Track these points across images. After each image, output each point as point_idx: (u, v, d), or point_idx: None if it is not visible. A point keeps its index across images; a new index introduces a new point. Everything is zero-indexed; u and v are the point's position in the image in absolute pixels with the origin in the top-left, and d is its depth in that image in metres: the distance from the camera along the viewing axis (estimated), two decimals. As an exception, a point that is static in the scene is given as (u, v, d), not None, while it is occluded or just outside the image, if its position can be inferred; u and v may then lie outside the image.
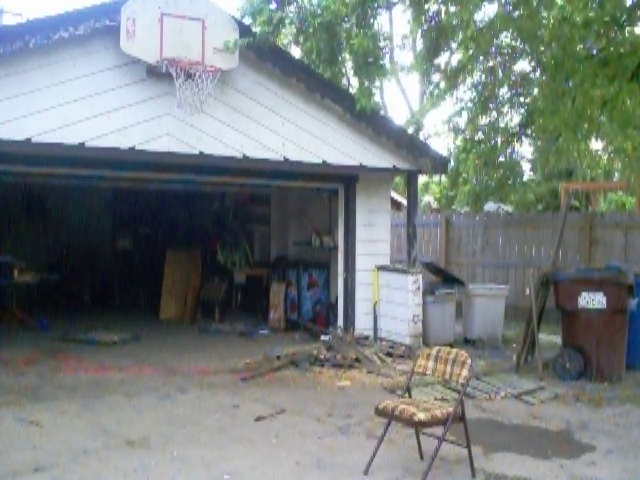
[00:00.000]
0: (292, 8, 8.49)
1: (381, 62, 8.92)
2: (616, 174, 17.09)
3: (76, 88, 7.46)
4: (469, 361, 4.94)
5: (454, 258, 14.34)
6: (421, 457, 5.23)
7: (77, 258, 14.15)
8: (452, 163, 12.86)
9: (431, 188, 22.93)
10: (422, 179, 17.60)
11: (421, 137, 14.23)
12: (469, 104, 11.71)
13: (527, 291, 8.72)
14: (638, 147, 9.49)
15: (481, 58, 9.37)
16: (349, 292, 10.19)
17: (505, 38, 9.63)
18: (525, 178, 16.34)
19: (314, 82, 8.98)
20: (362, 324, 10.06)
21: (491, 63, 9.96)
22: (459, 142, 13.45)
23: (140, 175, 9.08)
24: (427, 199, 21.79)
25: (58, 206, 14.14)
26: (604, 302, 7.98)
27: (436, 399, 6.59)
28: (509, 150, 13.00)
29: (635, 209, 15.25)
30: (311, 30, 8.41)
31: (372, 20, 8.58)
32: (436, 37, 8.68)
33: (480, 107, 11.37)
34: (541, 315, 8.80)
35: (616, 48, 7.29)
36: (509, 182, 13.83)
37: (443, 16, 8.42)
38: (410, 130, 14.67)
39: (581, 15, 7.12)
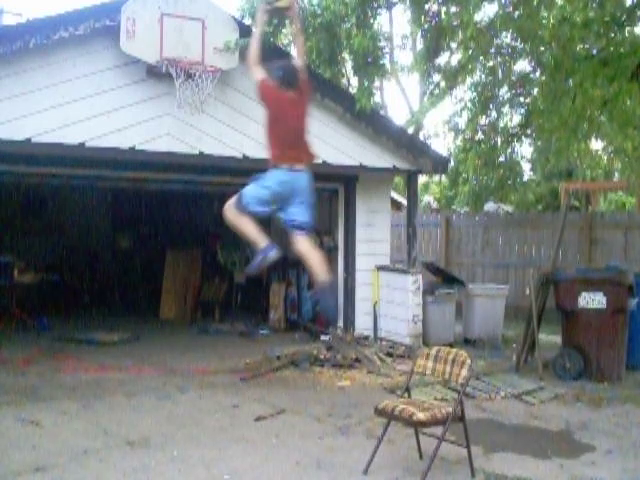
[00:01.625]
0: (292, 8, 8.47)
1: (381, 62, 8.93)
2: (616, 174, 17.10)
3: (76, 88, 7.47)
4: (469, 361, 4.94)
5: (454, 258, 14.33)
6: (421, 457, 5.23)
7: (77, 258, 14.16)
8: (452, 163, 12.86)
9: (431, 188, 22.95)
10: (422, 179, 17.59)
11: (421, 137, 14.23)
12: (469, 104, 11.72)
13: (527, 291, 8.72)
14: (638, 147, 9.51)
15: (481, 58, 9.37)
16: (349, 292, 10.19)
17: (505, 38, 9.63)
18: (525, 178, 16.35)
19: (314, 82, 8.97)
20: (362, 324, 10.06)
21: (491, 63, 9.96)
22: (459, 142, 13.46)
23: (140, 175, 9.08)
24: (427, 199, 21.80)
25: (58, 206, 14.15)
26: (604, 302, 7.98)
27: (436, 399, 6.58)
28: (509, 150, 13.01)
29: (635, 209, 15.26)
30: (311, 30, 8.41)
31: (372, 20, 8.59)
32: (436, 37, 8.68)
33: (480, 107, 11.37)
34: (541, 315, 8.80)
35: (616, 48, 7.29)
36: (509, 182, 13.84)
37: (443, 16, 8.42)
38: (410, 130, 14.67)
39: (581, 15, 7.13)
